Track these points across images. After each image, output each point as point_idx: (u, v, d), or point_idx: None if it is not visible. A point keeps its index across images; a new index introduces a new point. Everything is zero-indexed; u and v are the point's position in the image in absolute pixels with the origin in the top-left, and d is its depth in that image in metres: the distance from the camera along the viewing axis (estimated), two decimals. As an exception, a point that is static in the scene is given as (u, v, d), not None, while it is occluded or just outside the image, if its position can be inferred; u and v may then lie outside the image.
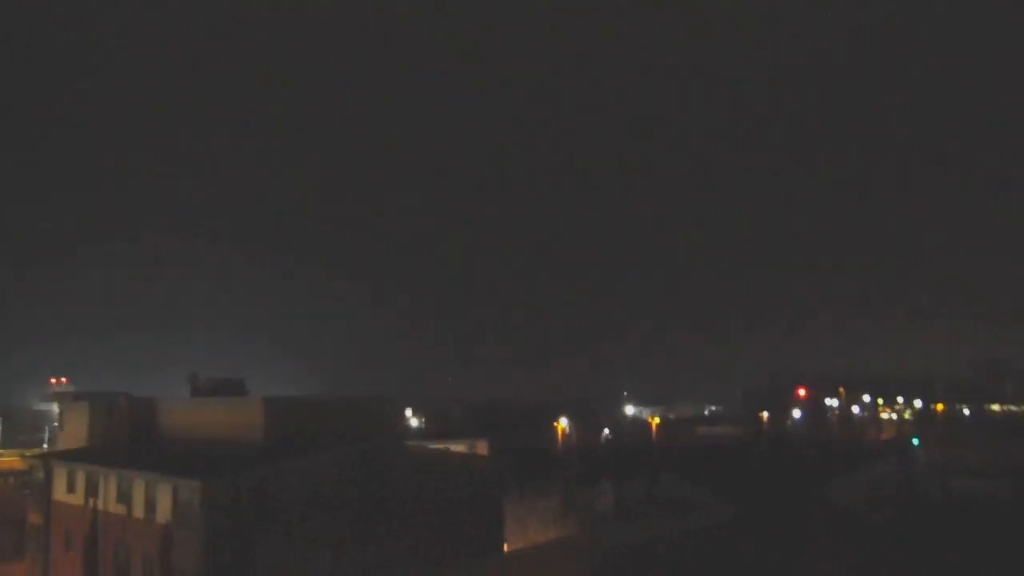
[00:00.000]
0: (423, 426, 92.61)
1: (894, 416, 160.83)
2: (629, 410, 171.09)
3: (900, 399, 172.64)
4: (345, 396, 53.98)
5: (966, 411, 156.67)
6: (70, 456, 46.60)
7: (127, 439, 48.18)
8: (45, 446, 74.47)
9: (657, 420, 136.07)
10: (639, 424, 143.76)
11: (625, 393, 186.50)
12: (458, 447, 54.31)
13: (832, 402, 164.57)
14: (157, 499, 36.92)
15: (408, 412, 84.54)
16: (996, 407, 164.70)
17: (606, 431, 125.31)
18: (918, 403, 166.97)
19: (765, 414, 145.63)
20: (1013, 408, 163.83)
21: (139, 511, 38.03)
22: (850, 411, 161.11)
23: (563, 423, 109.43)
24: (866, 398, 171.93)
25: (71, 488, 43.66)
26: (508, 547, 44.99)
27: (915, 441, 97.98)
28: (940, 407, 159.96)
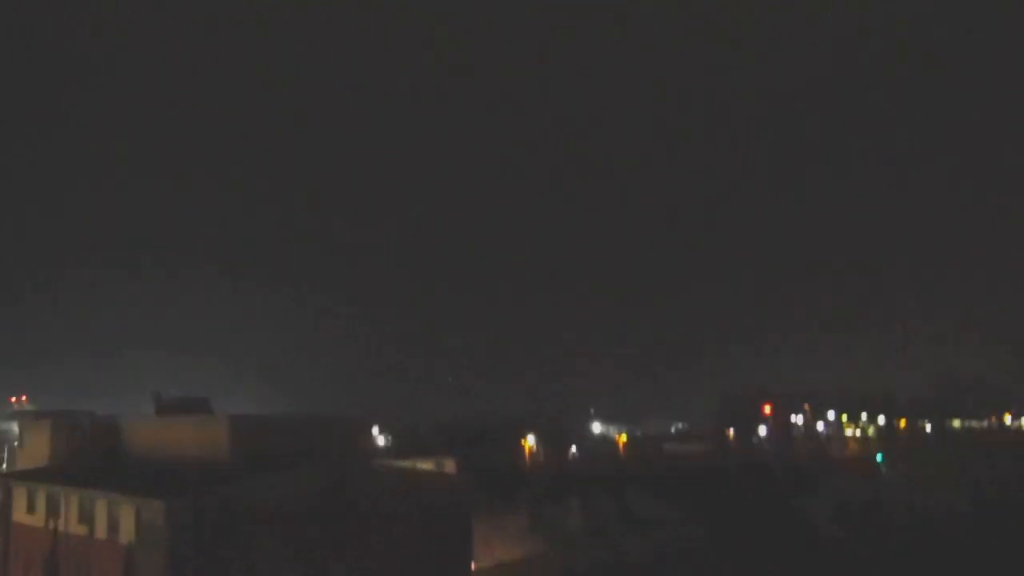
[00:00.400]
0: (390, 444, 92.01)
1: (858, 432, 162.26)
2: (596, 427, 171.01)
3: (864, 415, 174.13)
4: (312, 414, 53.71)
5: (928, 427, 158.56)
6: (30, 476, 45.83)
7: (90, 458, 47.47)
8: (4, 466, 73.16)
9: (624, 437, 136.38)
10: (606, 441, 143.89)
11: (592, 410, 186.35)
12: (426, 465, 54.09)
13: (797, 419, 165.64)
14: (120, 519, 36.38)
15: (375, 430, 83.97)
16: (957, 423, 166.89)
17: (573, 448, 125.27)
18: (881, 419, 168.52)
19: (731, 431, 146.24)
20: (973, 423, 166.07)
21: (101, 532, 37.45)
22: (815, 428, 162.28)
23: (530, 441, 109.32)
24: (831, 415, 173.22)
25: (31, 509, 42.89)
26: (476, 565, 44.78)
27: (879, 457, 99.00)
28: (903, 423, 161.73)
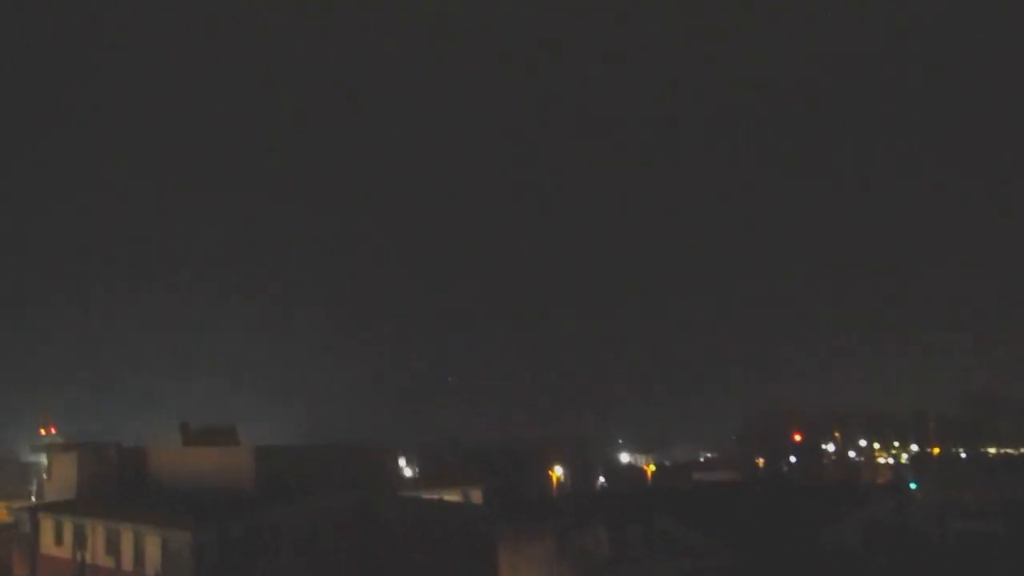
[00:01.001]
0: (416, 473, 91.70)
1: (890, 460, 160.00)
2: (624, 457, 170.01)
3: (896, 443, 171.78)
4: (338, 443, 53.68)
5: (962, 454, 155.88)
6: (57, 507, 46.01)
7: (116, 489, 47.60)
8: (33, 498, 73.56)
9: (652, 467, 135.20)
10: (634, 471, 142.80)
11: (620, 440, 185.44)
12: (452, 495, 53.82)
13: (828, 446, 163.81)
14: (146, 550, 36.42)
15: (401, 460, 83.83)
16: (992, 449, 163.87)
17: (601, 478, 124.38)
18: (914, 447, 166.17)
19: (761, 460, 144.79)
20: (1010, 451, 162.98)
21: (128, 563, 37.50)
22: (846, 454, 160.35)
23: (557, 470, 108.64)
24: (862, 442, 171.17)
25: (59, 540, 43.04)
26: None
27: (912, 485, 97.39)
28: (936, 450, 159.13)
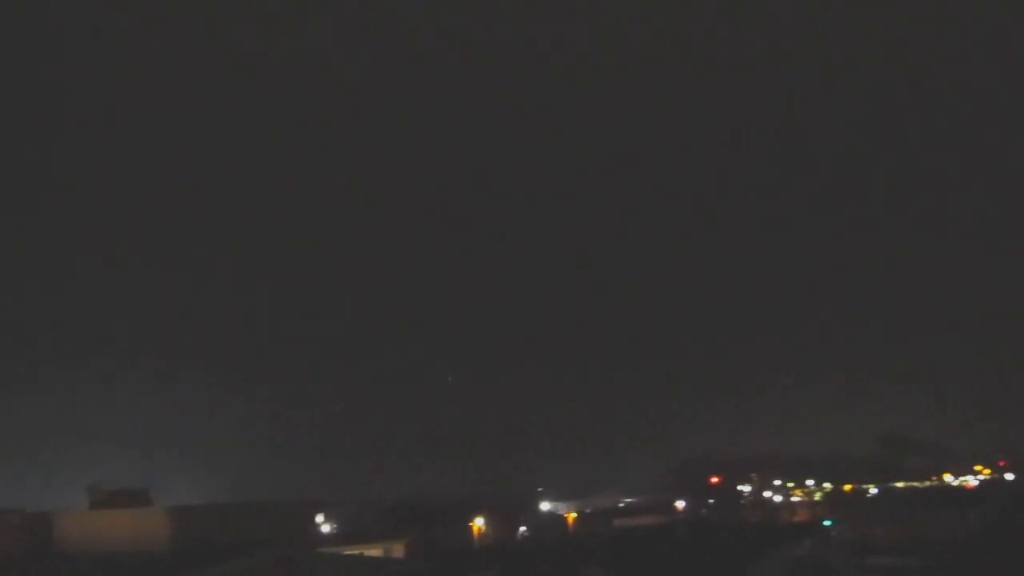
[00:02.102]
0: (335, 529, 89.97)
1: (805, 498, 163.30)
2: (545, 506, 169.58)
3: (811, 481, 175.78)
4: (255, 502, 52.54)
5: (873, 490, 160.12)
6: (-44, 581, 43.73)
7: (20, 558, 45.48)
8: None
9: (574, 514, 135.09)
10: (556, 519, 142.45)
11: (540, 489, 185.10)
12: (374, 551, 52.91)
13: (745, 487, 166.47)
14: (52, 621, 34.78)
15: (320, 516, 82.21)
16: (900, 484, 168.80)
17: (522, 528, 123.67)
18: (827, 484, 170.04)
19: (681, 503, 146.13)
20: (917, 485, 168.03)
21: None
22: (763, 495, 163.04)
23: (478, 521, 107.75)
24: (778, 482, 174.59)
25: (-43, 616, 40.85)
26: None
27: (827, 522, 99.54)
28: (848, 487, 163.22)
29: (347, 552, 48.19)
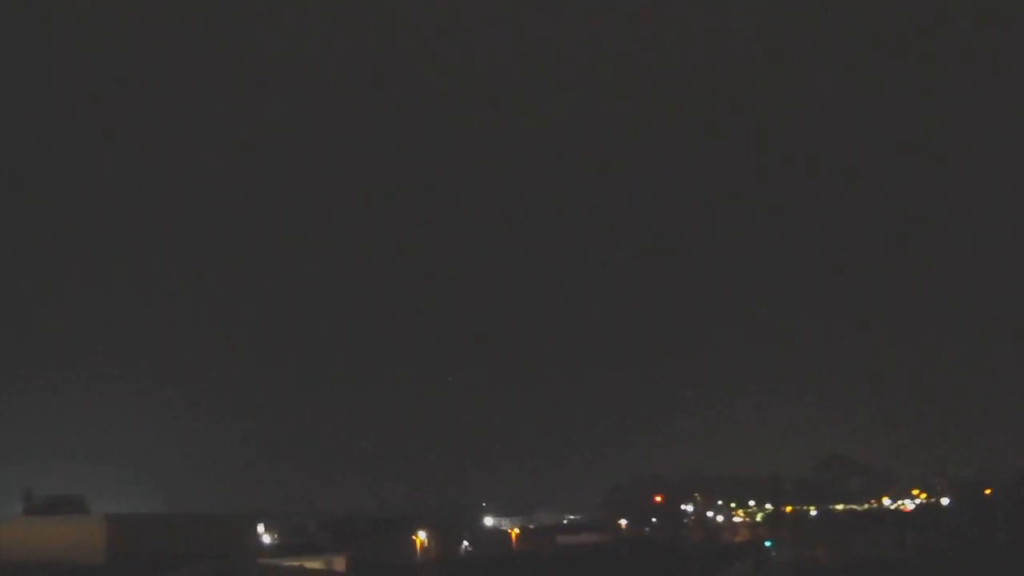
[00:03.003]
0: (277, 541, 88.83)
1: (747, 519, 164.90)
2: (488, 521, 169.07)
3: (752, 502, 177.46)
4: (194, 513, 51.85)
5: (813, 511, 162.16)
6: None
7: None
8: None
9: (517, 531, 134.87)
10: (499, 535, 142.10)
11: (484, 504, 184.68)
12: (315, 563, 52.38)
13: (688, 507, 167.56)
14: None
15: (260, 528, 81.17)
16: (840, 506, 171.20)
17: (465, 543, 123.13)
18: (769, 506, 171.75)
19: (624, 521, 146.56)
20: (856, 507, 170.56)
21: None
22: (705, 515, 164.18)
23: (421, 536, 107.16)
24: (720, 502, 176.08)
25: None
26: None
27: (768, 543, 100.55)
28: (789, 508, 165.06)
29: (287, 564, 47.68)
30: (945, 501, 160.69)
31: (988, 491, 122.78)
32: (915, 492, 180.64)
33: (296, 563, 49.20)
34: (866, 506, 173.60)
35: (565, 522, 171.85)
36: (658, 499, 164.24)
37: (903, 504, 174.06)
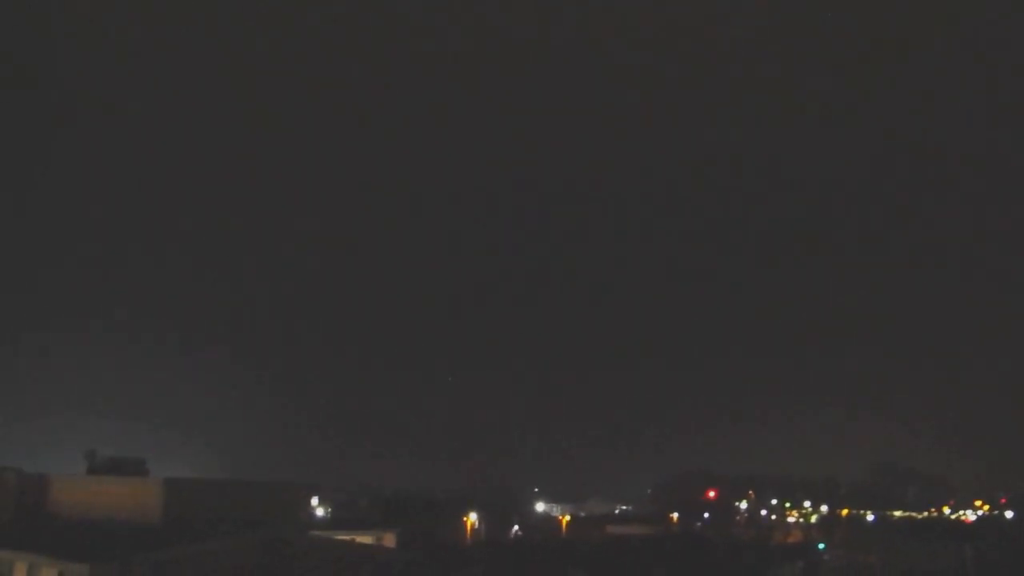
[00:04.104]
0: (329, 515, 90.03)
1: (801, 520, 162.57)
2: (539, 507, 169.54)
3: (807, 503, 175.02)
4: (250, 480, 52.50)
5: (870, 516, 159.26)
6: (-51, 535, 43.83)
7: (13, 517, 45.61)
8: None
9: (567, 517, 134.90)
10: (549, 521, 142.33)
11: (536, 489, 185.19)
12: (365, 538, 52.81)
13: (741, 504, 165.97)
14: (42, 583, 34.81)
15: (314, 501, 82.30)
16: (898, 513, 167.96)
17: (516, 527, 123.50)
18: (824, 508, 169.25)
19: (675, 515, 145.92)
20: (914, 515, 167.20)
21: (21, 596, 35.78)
22: (758, 514, 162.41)
23: (472, 517, 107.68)
24: (774, 501, 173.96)
25: (-52, 570, 40.96)
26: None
27: (821, 546, 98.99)
28: (844, 512, 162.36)
29: (338, 537, 48.10)
30: (1009, 514, 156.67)
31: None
32: (977, 503, 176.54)
33: (347, 537, 49.63)
34: (925, 515, 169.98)
35: (616, 512, 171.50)
36: (711, 494, 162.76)
37: (964, 515, 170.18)
